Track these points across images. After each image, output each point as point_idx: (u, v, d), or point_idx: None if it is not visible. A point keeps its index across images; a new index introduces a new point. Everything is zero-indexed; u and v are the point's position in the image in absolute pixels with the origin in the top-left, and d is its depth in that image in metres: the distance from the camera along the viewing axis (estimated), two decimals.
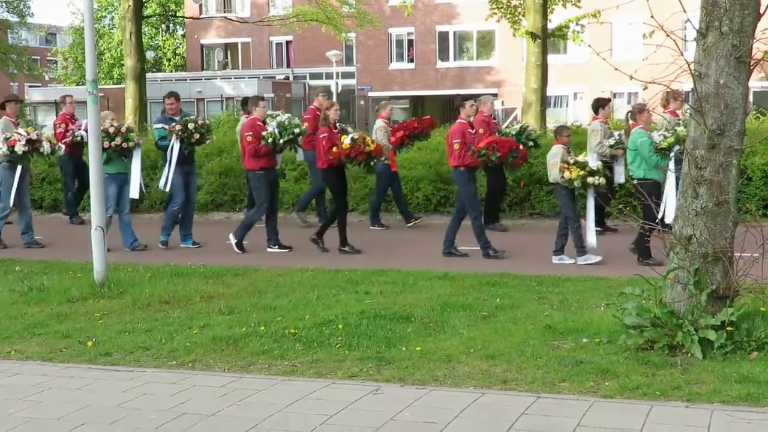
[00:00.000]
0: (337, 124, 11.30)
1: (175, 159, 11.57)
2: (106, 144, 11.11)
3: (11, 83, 57.32)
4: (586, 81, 36.73)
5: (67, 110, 14.73)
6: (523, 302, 7.76)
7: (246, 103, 13.81)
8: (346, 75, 42.87)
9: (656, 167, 9.91)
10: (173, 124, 11.62)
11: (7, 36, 44.51)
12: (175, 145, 11.58)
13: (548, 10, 21.04)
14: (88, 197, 14.23)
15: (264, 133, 11.17)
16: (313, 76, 44.97)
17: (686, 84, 6.03)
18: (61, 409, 5.24)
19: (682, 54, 5.87)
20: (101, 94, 14.75)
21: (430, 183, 14.30)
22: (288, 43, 46.76)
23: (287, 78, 45.68)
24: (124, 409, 5.22)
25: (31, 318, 7.72)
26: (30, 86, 55.88)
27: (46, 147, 11.94)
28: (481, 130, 12.21)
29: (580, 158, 10.05)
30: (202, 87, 42.60)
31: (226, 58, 49.32)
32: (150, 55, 52.45)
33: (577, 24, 22.42)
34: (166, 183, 11.64)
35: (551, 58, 23.45)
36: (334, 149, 10.83)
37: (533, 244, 11.57)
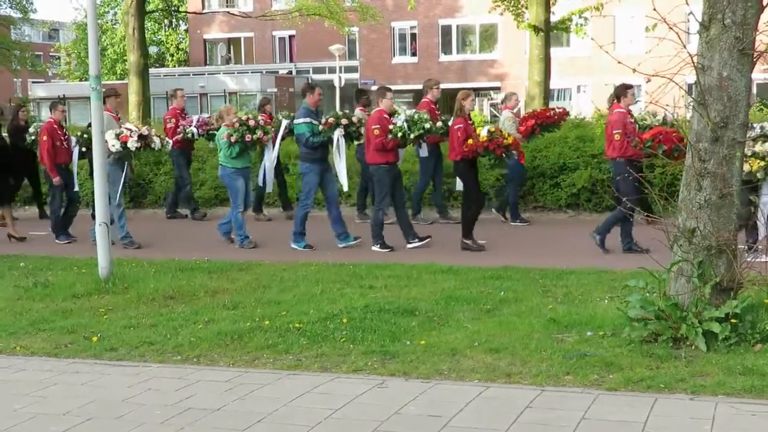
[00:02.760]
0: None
1: (343, 155, 11.14)
2: (248, 137, 10.95)
3: (14, 79, 57.38)
4: (589, 74, 36.65)
5: (178, 104, 14.30)
6: (527, 295, 7.77)
7: (363, 93, 13.48)
8: (349, 69, 42.82)
9: None
10: (329, 118, 11.11)
11: (10, 32, 44.54)
12: (341, 141, 11.10)
13: (551, 3, 21.02)
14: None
15: (391, 126, 10.65)
16: (316, 70, 44.96)
17: (689, 76, 6.02)
18: (66, 405, 5.26)
19: (684, 47, 5.86)
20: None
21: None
22: (291, 37, 46.75)
23: (290, 72, 45.63)
24: (129, 404, 5.24)
25: (36, 314, 7.74)
26: (33, 82, 55.96)
27: (156, 142, 11.51)
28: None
29: (758, 147, 9.08)
30: (206, 82, 42.54)
31: (229, 52, 49.30)
32: (153, 50, 52.43)
33: (580, 17, 22.38)
34: (311, 185, 11.04)
35: (554, 51, 23.43)
36: (470, 141, 10.30)
37: (537, 237, 11.57)
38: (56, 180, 12.17)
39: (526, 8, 21.85)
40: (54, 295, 8.41)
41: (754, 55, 5.97)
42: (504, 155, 10.40)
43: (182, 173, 14.35)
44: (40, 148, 12.38)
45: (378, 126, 10.61)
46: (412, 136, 10.79)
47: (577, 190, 13.34)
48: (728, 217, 6.05)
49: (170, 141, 12.37)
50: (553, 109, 13.55)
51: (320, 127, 11.04)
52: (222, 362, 6.13)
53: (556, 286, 8.13)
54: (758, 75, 7.44)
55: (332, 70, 40.45)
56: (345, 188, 11.36)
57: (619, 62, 6.49)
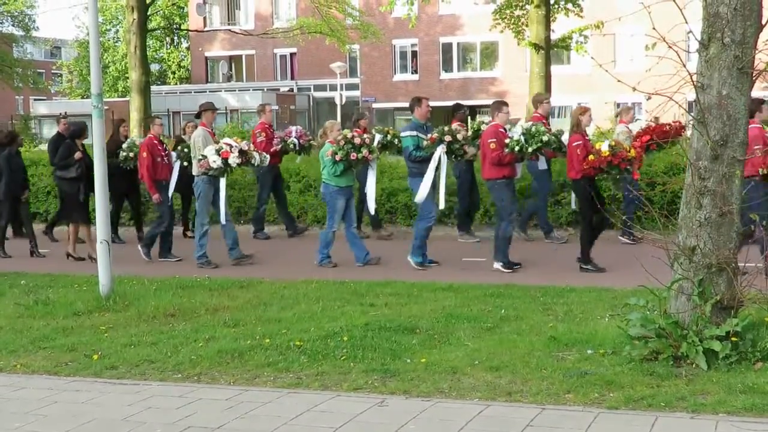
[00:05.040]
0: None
1: (444, 171, 10.78)
2: (353, 156, 10.74)
3: (16, 97, 57.58)
4: (590, 92, 36.71)
5: (266, 118, 14.13)
6: (528, 313, 7.77)
7: (459, 108, 13.11)
8: (350, 86, 42.98)
9: None
10: (434, 133, 10.75)
11: (12, 50, 44.71)
12: (443, 157, 10.71)
13: (551, 21, 21.11)
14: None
15: (507, 140, 10.39)
16: (317, 87, 45.11)
17: (689, 95, 6.05)
18: (67, 423, 5.25)
19: (684, 65, 5.89)
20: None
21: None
22: (292, 55, 46.92)
23: (291, 90, 45.78)
24: (129, 423, 5.23)
25: (36, 332, 7.74)
26: (35, 100, 56.10)
27: (256, 158, 11.30)
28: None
29: None
30: (207, 100, 42.68)
31: (231, 70, 49.48)
32: (155, 68, 52.66)
33: (580, 35, 22.51)
34: (429, 195, 10.69)
35: (555, 68, 23.51)
36: (591, 157, 9.97)
37: (537, 255, 11.57)
38: (156, 197, 11.91)
39: (527, 26, 21.94)
40: (55, 313, 8.41)
41: (754, 74, 6.00)
42: (628, 170, 10.04)
43: (262, 193, 14.00)
44: (140, 164, 12.12)
45: (494, 140, 10.38)
46: (529, 149, 10.44)
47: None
48: (728, 235, 6.06)
49: (268, 156, 12.04)
50: (669, 123, 13.19)
51: (425, 142, 10.78)
52: (222, 380, 6.13)
53: (556, 304, 8.13)
54: (757, 93, 7.44)
55: (333, 88, 40.55)
56: (442, 206, 10.96)
57: (618, 80, 6.52)
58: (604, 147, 9.96)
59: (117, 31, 54.91)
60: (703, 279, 6.02)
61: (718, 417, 4.96)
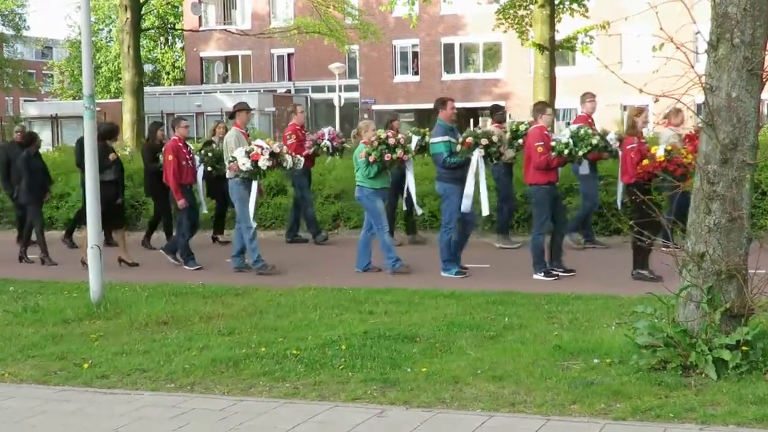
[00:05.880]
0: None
1: (483, 176, 10.50)
2: (387, 157, 10.59)
3: (6, 97, 57.64)
4: (596, 93, 36.76)
5: (298, 120, 13.97)
6: (532, 322, 7.75)
7: (498, 109, 13.18)
8: (349, 88, 43.03)
9: None
10: (468, 137, 10.36)
11: (3, 49, 44.78)
12: (481, 162, 10.40)
13: (556, 21, 21.13)
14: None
15: (553, 143, 10.24)
16: (316, 89, 45.18)
17: (697, 97, 6.04)
18: None
19: (692, 66, 5.89)
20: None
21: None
22: (290, 55, 46.98)
23: (289, 91, 45.88)
24: None
25: (25, 339, 7.72)
26: (25, 101, 56.14)
27: (289, 161, 11.01)
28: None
29: None
30: (202, 101, 42.74)
31: (226, 71, 49.56)
32: (148, 68, 52.71)
33: (585, 35, 22.51)
34: (454, 204, 10.44)
35: (559, 69, 23.52)
36: (645, 162, 9.74)
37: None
38: (181, 203, 11.63)
39: (531, 26, 21.97)
40: (44, 320, 8.40)
41: (764, 76, 5.99)
42: (685, 176, 9.62)
43: (304, 194, 13.72)
44: (165, 168, 11.83)
45: (541, 143, 10.16)
46: (579, 153, 10.30)
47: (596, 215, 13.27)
48: (738, 241, 6.05)
49: (301, 159, 11.80)
50: None
51: (458, 147, 10.46)
52: (216, 390, 6.11)
53: (561, 312, 8.11)
54: None
55: (332, 89, 40.59)
56: (486, 212, 10.83)
57: (625, 82, 6.52)
58: (660, 152, 9.73)
59: (110, 30, 55.01)
60: (712, 286, 6.01)
61: (729, 428, 4.95)
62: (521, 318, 7.89)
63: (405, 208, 12.74)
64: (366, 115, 44.05)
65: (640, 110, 10.17)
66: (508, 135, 11.81)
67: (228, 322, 8.10)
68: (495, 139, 10.44)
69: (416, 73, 45.28)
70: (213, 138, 13.72)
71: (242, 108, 11.60)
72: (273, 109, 40.58)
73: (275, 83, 47.22)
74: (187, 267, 11.73)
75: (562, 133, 10.50)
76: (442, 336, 7.28)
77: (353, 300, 8.98)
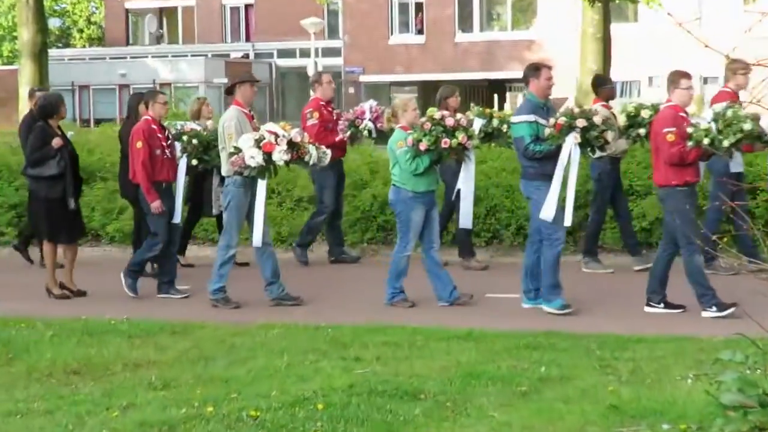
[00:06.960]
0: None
1: (574, 171, 10.36)
2: (444, 142, 10.38)
3: None
4: (665, 61, 36.93)
5: (323, 93, 13.63)
6: (578, 372, 7.78)
7: (604, 81, 12.98)
8: (329, 52, 43.25)
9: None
10: (560, 117, 10.21)
11: None
12: (575, 151, 10.29)
13: None
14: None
15: (691, 130, 9.88)
16: (282, 53, 45.39)
17: None
18: None
19: None
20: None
21: None
22: (247, 6, 47.27)
23: (246, 56, 46.10)
24: None
25: None
26: None
27: (313, 154, 10.75)
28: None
29: None
30: (127, 69, 42.92)
31: (161, 28, 49.72)
32: (54, 23, 52.79)
33: None
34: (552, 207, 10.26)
35: (616, 28, 23.62)
36: None
37: (592, 289, 11.56)
38: (155, 205, 11.36)
39: None
40: None
41: None
42: None
43: (323, 197, 13.63)
44: (132, 159, 11.53)
45: (673, 129, 9.88)
46: (725, 142, 9.82)
47: (648, 224, 13.30)
48: None
49: (327, 151, 11.26)
50: None
51: (547, 130, 10.31)
52: None
53: (618, 360, 8.14)
54: None
55: (305, 54, 40.77)
56: (568, 222, 10.54)
57: (706, 45, 6.53)
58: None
59: None
60: None
61: None
62: (563, 367, 7.92)
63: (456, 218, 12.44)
64: (352, 89, 44.09)
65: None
66: (622, 120, 11.66)
67: (162, 372, 8.10)
68: (598, 120, 10.24)
69: (420, 32, 45.40)
70: (196, 122, 13.35)
71: (246, 80, 11.49)
72: (225, 79, 40.54)
73: (227, 45, 47.44)
74: (126, 288, 11.57)
75: (703, 116, 10.27)
76: (456, 392, 7.30)
77: (333, 342, 8.99)
